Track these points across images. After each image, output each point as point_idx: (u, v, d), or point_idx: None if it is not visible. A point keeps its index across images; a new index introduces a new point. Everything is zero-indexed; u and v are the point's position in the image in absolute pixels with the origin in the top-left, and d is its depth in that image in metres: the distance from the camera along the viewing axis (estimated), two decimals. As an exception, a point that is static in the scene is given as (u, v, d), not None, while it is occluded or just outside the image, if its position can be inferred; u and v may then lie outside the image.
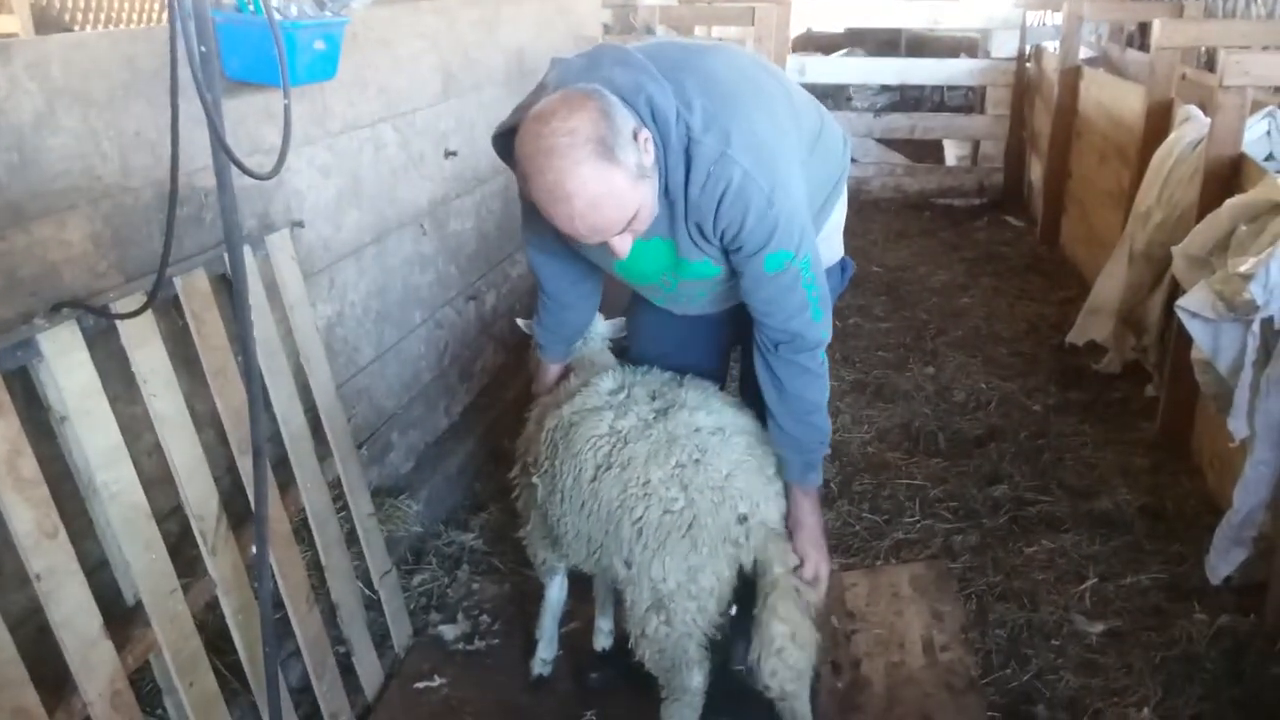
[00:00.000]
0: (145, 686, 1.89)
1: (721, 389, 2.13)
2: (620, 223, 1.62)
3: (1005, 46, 7.16)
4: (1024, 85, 6.90)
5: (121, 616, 1.77)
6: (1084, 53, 5.92)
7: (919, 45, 8.28)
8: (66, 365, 1.62)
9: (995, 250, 5.97)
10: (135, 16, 5.54)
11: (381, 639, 2.48)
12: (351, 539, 2.40)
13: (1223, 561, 2.51)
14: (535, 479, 2.11)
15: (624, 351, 2.33)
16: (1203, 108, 3.60)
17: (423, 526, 2.91)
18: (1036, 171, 6.49)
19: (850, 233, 2.24)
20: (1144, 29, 6.07)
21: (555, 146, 1.54)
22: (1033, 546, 2.91)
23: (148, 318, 1.76)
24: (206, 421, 1.97)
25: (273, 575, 1.93)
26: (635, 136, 1.60)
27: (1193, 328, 2.48)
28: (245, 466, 1.96)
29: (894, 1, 7.75)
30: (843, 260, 2.23)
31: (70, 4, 5.15)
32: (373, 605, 2.47)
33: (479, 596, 2.76)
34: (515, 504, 2.32)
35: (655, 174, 1.66)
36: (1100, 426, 3.62)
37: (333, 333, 2.58)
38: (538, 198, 1.60)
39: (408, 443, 3.02)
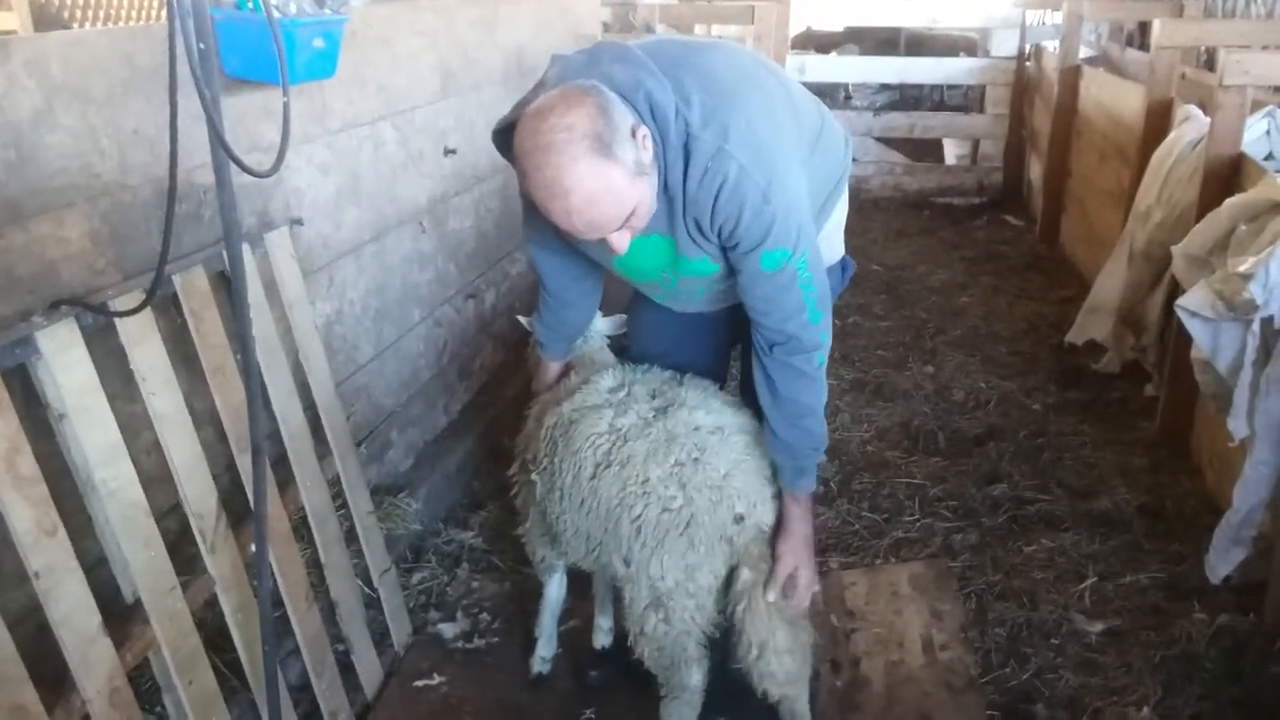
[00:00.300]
0: (144, 684, 1.89)
1: (721, 388, 2.13)
2: (617, 219, 1.62)
3: (1005, 45, 7.16)
4: (1024, 84, 6.90)
5: (120, 614, 1.77)
6: (1084, 52, 5.93)
7: (918, 44, 8.27)
8: (65, 363, 1.61)
9: (995, 249, 5.97)
10: (134, 14, 5.53)
11: (381, 637, 2.48)
12: (351, 537, 2.40)
13: (1222, 561, 2.51)
14: (534, 476, 2.11)
15: (624, 349, 2.33)
16: (1202, 107, 3.60)
17: (422, 524, 2.91)
18: (1036, 170, 6.49)
19: (850, 231, 2.23)
20: (1144, 28, 6.07)
21: (553, 142, 1.54)
22: (1032, 545, 2.91)
23: (146, 315, 1.75)
24: (205, 419, 1.97)
25: (272, 573, 1.93)
26: (633, 133, 1.60)
27: (1192, 327, 2.48)
28: (244, 464, 1.96)
29: (893, 0, 7.75)
30: (843, 259, 2.22)
31: (69, 1, 5.14)
32: (372, 603, 2.46)
33: (478, 594, 2.76)
34: (514, 502, 2.32)
35: (654, 171, 1.66)
36: (1100, 426, 3.62)
37: (332, 331, 2.57)
38: (535, 193, 1.60)
39: (407, 441, 3.02)
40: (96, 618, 1.62)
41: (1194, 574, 2.68)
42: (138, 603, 1.77)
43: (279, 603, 2.06)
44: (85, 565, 1.62)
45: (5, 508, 1.49)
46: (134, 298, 1.72)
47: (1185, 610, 2.58)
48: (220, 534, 1.91)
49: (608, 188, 1.57)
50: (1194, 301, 2.46)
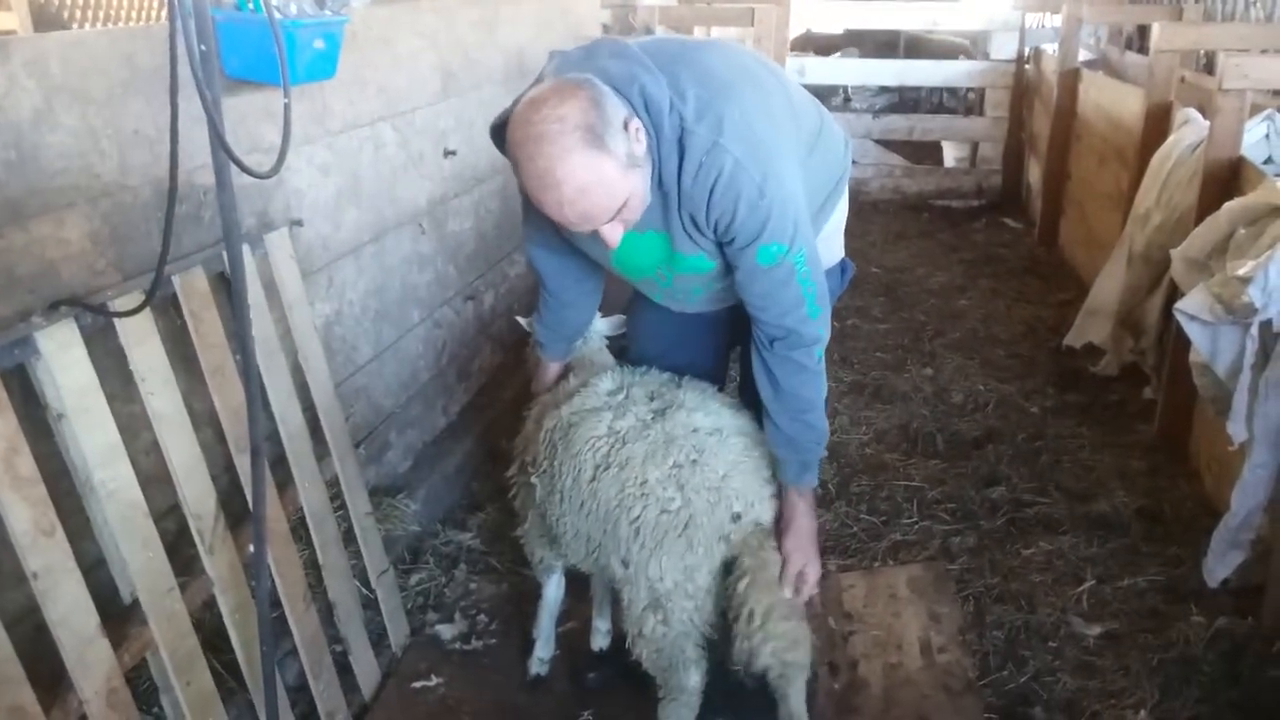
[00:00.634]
0: (142, 685, 1.89)
1: (720, 390, 2.13)
2: (609, 211, 1.62)
3: (1004, 49, 7.17)
4: (1023, 87, 6.91)
5: (118, 615, 1.77)
6: (1083, 55, 5.93)
7: (917, 47, 8.28)
8: (64, 363, 1.61)
9: (993, 252, 5.97)
10: (134, 14, 5.53)
11: (378, 638, 2.47)
12: (349, 538, 2.40)
13: (1220, 564, 2.51)
14: (533, 478, 2.11)
15: (623, 350, 2.33)
16: (1202, 111, 3.60)
17: (420, 526, 2.91)
18: (1035, 173, 6.49)
19: (849, 234, 2.24)
20: (1143, 32, 6.08)
21: (545, 133, 1.55)
22: (1030, 548, 2.91)
23: (146, 316, 1.75)
24: (204, 420, 1.97)
25: (270, 574, 1.93)
26: (626, 126, 1.60)
27: (1191, 330, 2.49)
28: (243, 465, 1.96)
29: (893, 3, 7.76)
30: (843, 262, 2.23)
31: (69, 1, 5.14)
32: (370, 604, 2.46)
33: (476, 596, 2.76)
34: (513, 503, 2.32)
35: (647, 164, 1.66)
36: (1098, 429, 3.62)
37: (331, 332, 2.57)
38: (528, 184, 1.60)
39: (405, 442, 3.02)
40: (94, 618, 1.62)
41: (1192, 577, 2.68)
42: (136, 603, 1.77)
43: (277, 603, 2.06)
44: (83, 566, 1.61)
45: (4, 508, 1.49)
46: (134, 298, 1.72)
47: (1183, 613, 2.58)
48: (218, 535, 1.90)
49: (600, 179, 1.57)
50: (1193, 305, 2.46)
